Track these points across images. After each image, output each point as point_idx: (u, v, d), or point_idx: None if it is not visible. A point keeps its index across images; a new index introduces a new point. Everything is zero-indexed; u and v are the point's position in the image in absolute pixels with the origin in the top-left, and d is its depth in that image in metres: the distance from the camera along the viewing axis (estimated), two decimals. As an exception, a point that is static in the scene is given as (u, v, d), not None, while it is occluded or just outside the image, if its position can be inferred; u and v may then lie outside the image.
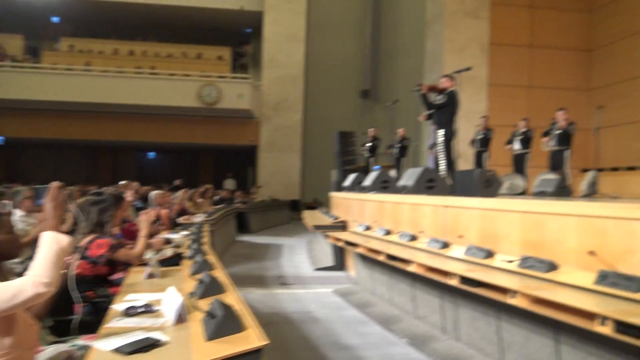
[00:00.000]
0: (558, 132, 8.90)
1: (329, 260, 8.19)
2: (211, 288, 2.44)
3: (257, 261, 9.00)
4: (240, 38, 21.16)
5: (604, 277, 2.67)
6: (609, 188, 12.58)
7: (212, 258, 3.41)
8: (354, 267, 6.94)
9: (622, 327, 2.24)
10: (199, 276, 2.67)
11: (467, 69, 5.97)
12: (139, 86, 16.84)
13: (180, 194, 8.50)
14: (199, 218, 7.45)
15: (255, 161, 19.19)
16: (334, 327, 4.83)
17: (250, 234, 13.60)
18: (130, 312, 2.22)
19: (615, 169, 13.13)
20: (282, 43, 18.69)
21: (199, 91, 17.12)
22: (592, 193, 7.48)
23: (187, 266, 3.29)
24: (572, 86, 15.09)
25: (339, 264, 7.91)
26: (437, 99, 6.90)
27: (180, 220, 6.99)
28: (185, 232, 5.44)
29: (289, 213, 18.32)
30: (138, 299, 2.44)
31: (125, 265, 3.29)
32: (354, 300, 5.86)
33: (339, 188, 9.79)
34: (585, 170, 13.61)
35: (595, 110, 8.62)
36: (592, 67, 15.10)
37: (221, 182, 18.90)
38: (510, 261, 3.40)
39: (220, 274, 2.87)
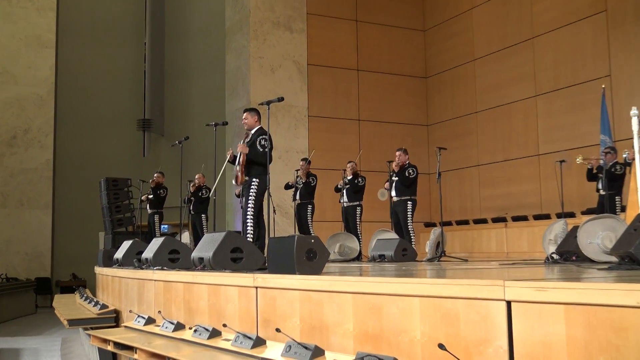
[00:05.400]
0: (395, 178, 9.60)
1: (94, 370, 7.62)
2: None
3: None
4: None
5: (457, 378, 2.82)
6: (457, 246, 14.00)
7: None
8: (131, 378, 6.53)
9: None
10: None
11: (280, 100, 6.15)
12: None
13: None
14: None
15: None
16: None
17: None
18: None
19: (462, 223, 14.61)
20: (19, 49, 17.56)
21: None
22: (438, 256, 8.17)
23: None
24: (410, 120, 16.60)
25: (109, 375, 7.39)
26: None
27: None
28: None
29: (34, 298, 16.89)
30: None
31: None
32: None
33: (109, 261, 9.28)
34: (429, 225, 15.04)
35: (436, 151, 9.50)
36: (430, 97, 16.83)
37: None
38: (344, 362, 3.45)
39: None
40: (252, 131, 7.11)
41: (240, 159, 7.02)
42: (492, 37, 15.09)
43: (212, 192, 8.18)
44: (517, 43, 14.42)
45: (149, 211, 12.38)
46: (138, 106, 19.30)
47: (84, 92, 18.77)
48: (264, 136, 6.94)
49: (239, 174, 7.03)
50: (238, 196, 7.34)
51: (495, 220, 13.77)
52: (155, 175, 12.32)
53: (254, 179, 7.00)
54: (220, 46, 17.52)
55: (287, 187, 11.23)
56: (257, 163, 6.98)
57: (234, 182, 7.24)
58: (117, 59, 19.22)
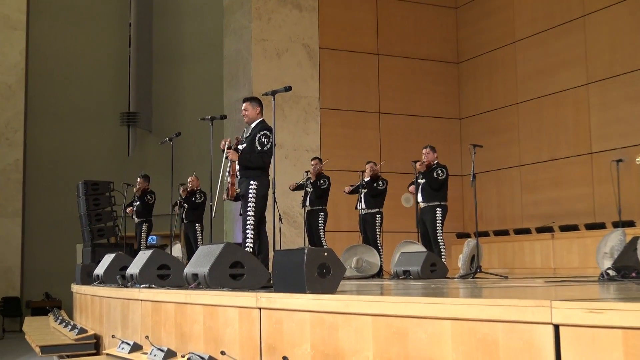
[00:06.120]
0: (422, 181, 9.59)
1: (71, 405, 7.67)
2: None
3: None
4: None
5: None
6: (495, 261, 13.95)
7: None
8: (113, 414, 6.56)
9: None
10: None
11: (287, 89, 6.15)
12: None
13: None
14: None
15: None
16: None
17: None
18: None
19: (501, 233, 14.55)
20: (-17, 31, 17.66)
21: None
22: (473, 272, 8.13)
23: None
24: (439, 112, 16.55)
25: (88, 410, 7.43)
26: (243, 143, 7.04)
27: None
28: None
29: (1, 321, 16.99)
30: None
31: None
32: None
33: (88, 277, 9.34)
34: (462, 236, 14.99)
35: (470, 148, 9.47)
36: (462, 85, 16.78)
37: None
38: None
39: None
40: (253, 125, 7.09)
41: (230, 167, 6.99)
42: (536, 15, 15.04)
43: (215, 208, 8.05)
44: (565, 22, 14.37)
45: (136, 220, 12.40)
46: (122, 98, 19.32)
47: (59, 81, 18.78)
48: (265, 132, 6.91)
49: (230, 185, 7.00)
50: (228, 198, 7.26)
51: (540, 230, 13.72)
52: (138, 180, 12.33)
53: (252, 181, 6.97)
54: (217, 27, 17.52)
55: (297, 187, 11.21)
56: (252, 168, 6.96)
57: (224, 196, 7.18)
58: (97, 42, 19.25)
